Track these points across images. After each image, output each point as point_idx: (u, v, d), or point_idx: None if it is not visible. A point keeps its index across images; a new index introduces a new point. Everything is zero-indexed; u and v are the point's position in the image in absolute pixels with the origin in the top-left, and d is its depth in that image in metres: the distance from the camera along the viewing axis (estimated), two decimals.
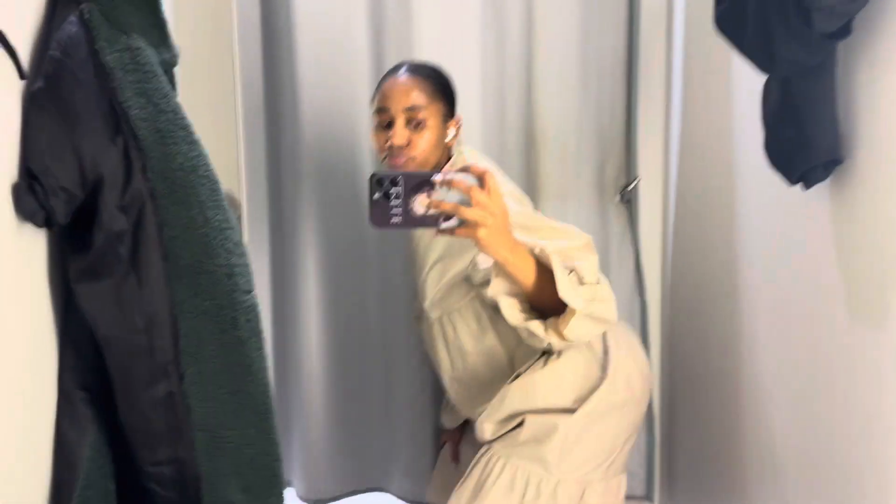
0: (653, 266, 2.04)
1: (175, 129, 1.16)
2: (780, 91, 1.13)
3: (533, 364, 1.41)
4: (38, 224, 1.03)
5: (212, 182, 1.21)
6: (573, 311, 1.22)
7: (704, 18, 1.30)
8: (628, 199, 1.99)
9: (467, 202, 1.12)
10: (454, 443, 1.80)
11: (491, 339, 1.47)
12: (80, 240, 1.12)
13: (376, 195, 1.13)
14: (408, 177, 1.12)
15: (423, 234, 1.47)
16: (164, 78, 1.19)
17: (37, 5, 1.09)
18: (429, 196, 1.11)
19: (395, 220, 1.13)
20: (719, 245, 1.69)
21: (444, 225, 1.13)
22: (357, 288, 1.97)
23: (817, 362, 1.26)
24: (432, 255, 1.45)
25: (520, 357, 1.47)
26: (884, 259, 1.05)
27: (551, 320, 1.26)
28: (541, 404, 1.38)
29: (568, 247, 1.27)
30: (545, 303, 1.25)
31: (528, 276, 1.21)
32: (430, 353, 1.60)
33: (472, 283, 1.43)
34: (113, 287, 1.10)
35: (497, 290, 1.27)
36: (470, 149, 1.49)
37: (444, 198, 1.12)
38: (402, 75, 1.42)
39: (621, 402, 1.42)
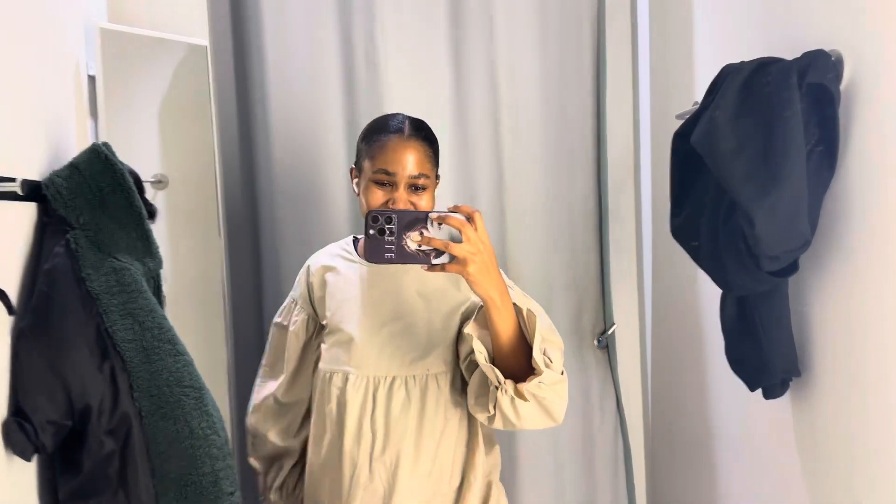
0: (634, 410, 2.07)
1: (160, 345, 1.20)
2: (735, 306, 1.20)
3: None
4: (27, 459, 1.06)
5: (196, 390, 1.24)
6: (533, 378, 1.22)
7: (666, 162, 1.36)
8: (605, 345, 2.04)
9: (458, 239, 1.16)
10: None
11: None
12: (68, 461, 1.14)
13: (371, 231, 1.18)
14: (402, 214, 1.18)
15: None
16: (148, 292, 1.24)
17: (26, 235, 1.14)
18: (421, 233, 1.16)
19: (389, 255, 1.18)
20: (695, 391, 1.74)
21: (436, 260, 1.17)
22: None
23: None
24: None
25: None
26: (843, 469, 1.10)
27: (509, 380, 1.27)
28: None
29: (549, 331, 1.29)
30: (507, 364, 1.25)
31: (506, 325, 1.22)
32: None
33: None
34: None
35: (474, 330, 1.29)
36: None
37: (436, 235, 1.16)
38: (409, 139, 1.36)
39: None
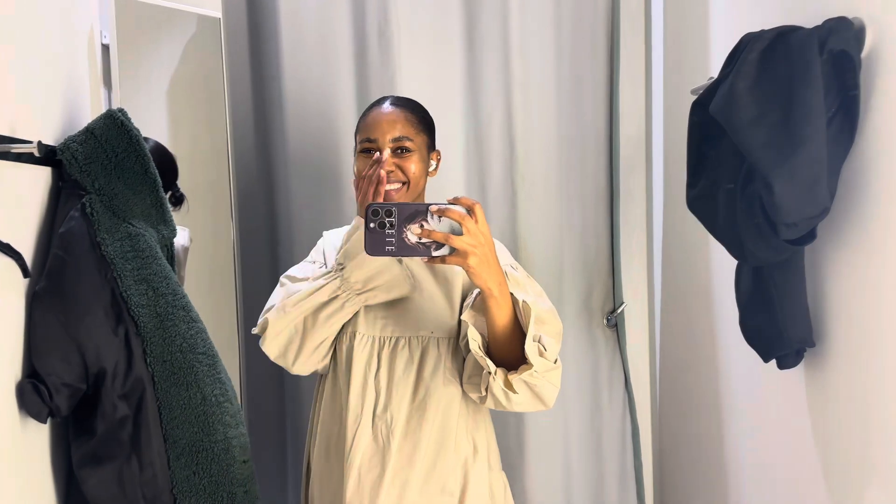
0: (642, 388, 2.07)
1: (174, 311, 1.20)
2: (751, 277, 1.19)
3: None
4: (41, 421, 1.06)
5: (209, 357, 1.25)
6: (525, 369, 1.25)
7: (681, 141, 1.38)
8: (615, 324, 2.04)
9: (458, 232, 1.16)
10: None
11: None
12: (81, 425, 1.15)
13: (372, 225, 1.17)
14: (402, 207, 1.17)
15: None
16: (162, 259, 1.24)
17: (41, 199, 1.14)
18: (421, 226, 1.16)
19: (390, 248, 1.17)
20: (705, 368, 1.74)
21: (436, 253, 1.17)
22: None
23: None
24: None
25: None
26: (857, 440, 1.10)
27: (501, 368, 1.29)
28: None
29: (548, 315, 1.31)
30: (502, 351, 1.28)
31: (503, 315, 1.23)
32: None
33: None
34: (115, 471, 1.13)
35: (470, 318, 1.31)
36: None
37: (436, 227, 1.16)
38: (388, 107, 1.43)
39: None
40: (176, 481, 1.16)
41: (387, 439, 1.37)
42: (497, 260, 1.22)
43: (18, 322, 1.06)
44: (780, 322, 1.15)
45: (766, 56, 1.09)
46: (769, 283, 1.16)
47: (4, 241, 0.98)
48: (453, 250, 1.17)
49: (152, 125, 1.68)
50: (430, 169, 1.48)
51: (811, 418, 1.25)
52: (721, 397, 1.67)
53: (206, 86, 1.78)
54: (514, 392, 1.26)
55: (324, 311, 1.35)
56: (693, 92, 1.45)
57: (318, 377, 1.50)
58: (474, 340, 1.27)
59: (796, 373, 1.27)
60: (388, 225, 1.17)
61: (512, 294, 1.26)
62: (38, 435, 1.10)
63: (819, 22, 1.12)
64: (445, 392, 1.39)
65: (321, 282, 1.35)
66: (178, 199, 1.83)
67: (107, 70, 1.52)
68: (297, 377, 1.89)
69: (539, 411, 1.36)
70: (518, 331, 1.27)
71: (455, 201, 1.18)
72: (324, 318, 1.35)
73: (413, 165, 1.38)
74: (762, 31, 1.14)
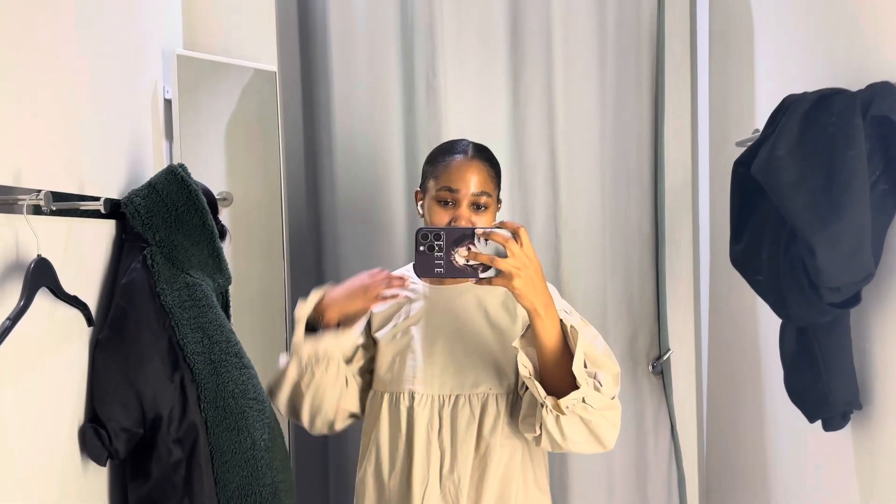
0: (689, 437, 2.05)
1: (227, 357, 1.25)
2: (795, 336, 1.19)
3: None
4: (101, 464, 1.11)
5: (259, 402, 1.29)
6: (577, 396, 1.21)
7: (727, 191, 1.38)
8: (660, 371, 2.03)
9: (503, 254, 1.18)
10: None
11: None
12: (138, 468, 1.19)
13: (421, 248, 1.22)
14: (449, 231, 1.22)
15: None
16: (217, 307, 1.29)
17: (105, 251, 1.20)
18: (468, 249, 1.19)
19: (438, 270, 1.21)
20: (752, 422, 1.72)
21: (483, 275, 1.20)
22: None
23: None
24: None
25: None
26: None
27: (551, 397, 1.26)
28: None
29: (603, 357, 1.28)
30: (553, 381, 1.25)
31: (550, 337, 1.23)
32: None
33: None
34: None
35: (521, 345, 1.29)
36: None
37: (482, 250, 1.19)
38: (473, 158, 1.43)
39: None
40: None
41: (455, 499, 1.38)
42: (544, 283, 1.23)
43: (82, 369, 1.11)
44: (826, 384, 1.14)
45: (808, 120, 1.10)
46: (814, 343, 1.15)
47: (72, 293, 1.04)
48: (500, 272, 1.19)
49: (209, 171, 1.75)
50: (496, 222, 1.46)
51: (859, 483, 1.23)
52: (767, 453, 1.65)
53: (262, 135, 1.85)
54: (564, 415, 1.24)
55: (303, 384, 1.39)
56: (738, 144, 1.47)
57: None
58: (525, 367, 1.26)
59: (843, 433, 1.25)
60: (436, 248, 1.21)
61: (561, 322, 1.25)
62: (98, 477, 1.15)
63: (863, 85, 1.12)
64: (506, 446, 1.39)
65: (284, 362, 1.40)
66: (221, 233, 1.90)
67: (168, 123, 1.60)
68: None
69: (587, 455, 1.34)
70: (568, 360, 1.24)
71: (501, 225, 1.21)
72: (311, 389, 1.39)
73: (485, 222, 1.40)
74: (805, 94, 1.15)
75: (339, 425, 1.48)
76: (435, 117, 1.95)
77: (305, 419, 1.44)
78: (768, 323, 1.62)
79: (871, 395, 1.18)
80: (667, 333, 2.02)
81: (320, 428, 1.46)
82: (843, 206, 1.03)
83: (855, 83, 1.15)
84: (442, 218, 1.40)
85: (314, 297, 1.38)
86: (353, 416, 1.50)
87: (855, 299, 1.09)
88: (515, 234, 1.20)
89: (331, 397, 1.42)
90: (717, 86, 1.95)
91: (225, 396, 1.22)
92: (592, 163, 2.01)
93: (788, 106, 1.15)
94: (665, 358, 2.01)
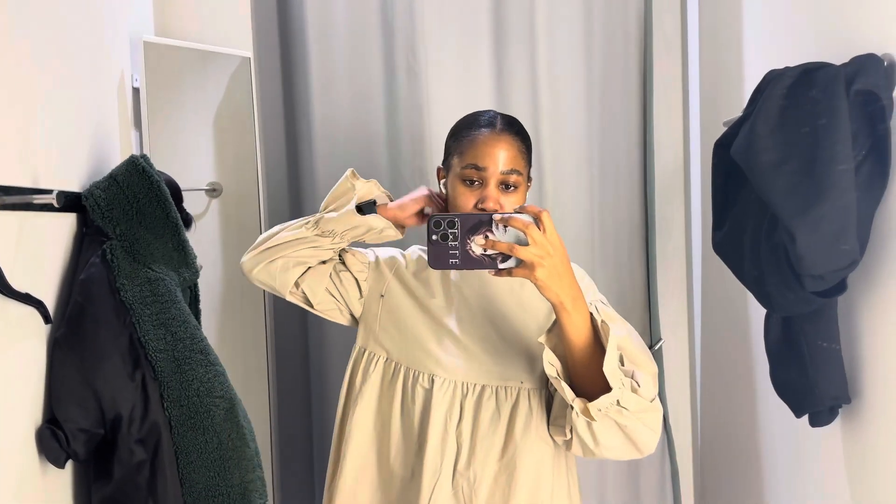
0: (683, 430, 2.00)
1: (192, 355, 1.21)
2: (780, 327, 1.13)
3: None
4: (59, 466, 1.08)
5: (227, 400, 1.25)
6: (609, 398, 1.10)
7: None
8: None
9: (524, 242, 1.08)
10: None
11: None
12: (100, 469, 1.16)
13: (434, 237, 1.12)
14: (465, 218, 1.11)
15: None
16: (182, 303, 1.25)
17: (65, 246, 1.16)
18: (486, 237, 1.10)
19: (454, 261, 1.12)
20: (746, 412, 1.67)
21: (502, 265, 1.10)
22: None
23: None
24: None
25: None
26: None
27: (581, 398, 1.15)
28: None
29: (640, 352, 1.15)
30: (583, 381, 1.15)
31: (579, 333, 1.12)
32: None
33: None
34: None
35: (547, 341, 1.18)
36: None
37: (501, 238, 1.09)
38: (502, 132, 1.27)
39: None
40: None
41: (468, 498, 1.26)
42: (571, 273, 1.11)
43: (40, 369, 1.08)
44: (811, 377, 1.08)
45: (789, 97, 1.04)
46: (799, 334, 1.09)
47: (26, 290, 1.00)
48: (521, 262, 1.09)
49: (186, 162, 1.71)
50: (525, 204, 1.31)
51: (849, 475, 1.18)
52: (761, 444, 1.61)
53: (241, 123, 1.81)
54: (594, 420, 1.12)
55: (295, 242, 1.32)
56: (725, 124, 1.41)
57: (346, 397, 1.38)
58: (551, 365, 1.15)
59: (834, 427, 1.20)
60: (450, 237, 1.12)
61: (592, 316, 1.14)
62: (60, 479, 1.12)
63: (847, 59, 1.07)
64: (538, 450, 1.26)
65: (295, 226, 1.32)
66: (186, 222, 1.87)
67: (137, 112, 1.56)
68: (326, 398, 1.89)
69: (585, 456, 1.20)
70: (599, 358, 1.11)
71: (522, 210, 1.11)
72: (293, 245, 1.32)
73: (511, 205, 1.25)
74: (786, 69, 1.09)
75: (283, 279, 1.36)
76: (416, 104, 1.90)
77: (266, 259, 1.35)
78: (762, 311, 1.57)
79: (860, 389, 1.12)
80: (658, 323, 1.97)
81: (271, 272, 1.36)
82: (825, 187, 0.97)
83: (843, 57, 1.09)
84: (468, 199, 1.25)
85: (378, 190, 1.33)
86: (298, 283, 1.37)
87: (840, 287, 1.03)
88: (537, 220, 1.09)
89: (311, 259, 1.34)
90: (708, 64, 1.89)
91: (189, 395, 1.18)
92: (580, 147, 1.96)
93: (769, 82, 1.09)
94: (657, 348, 1.97)
